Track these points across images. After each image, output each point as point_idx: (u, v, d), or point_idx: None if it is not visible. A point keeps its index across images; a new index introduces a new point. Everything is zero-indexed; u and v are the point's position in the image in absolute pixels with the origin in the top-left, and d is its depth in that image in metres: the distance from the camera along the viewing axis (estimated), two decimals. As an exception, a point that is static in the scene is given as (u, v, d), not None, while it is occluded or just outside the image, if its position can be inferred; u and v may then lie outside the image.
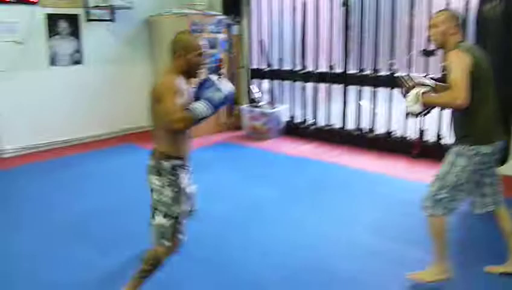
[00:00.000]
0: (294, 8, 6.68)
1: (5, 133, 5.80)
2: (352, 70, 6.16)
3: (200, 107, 2.42)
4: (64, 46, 6.24)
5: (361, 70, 6.02)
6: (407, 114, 2.81)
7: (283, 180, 4.82)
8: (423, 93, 2.69)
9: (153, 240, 2.55)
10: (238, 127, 7.32)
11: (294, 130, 6.85)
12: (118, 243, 3.46)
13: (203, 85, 2.56)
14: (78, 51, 6.36)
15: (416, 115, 2.76)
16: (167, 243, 2.52)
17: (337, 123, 6.50)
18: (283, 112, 6.95)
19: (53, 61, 6.15)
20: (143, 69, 7.09)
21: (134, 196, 4.14)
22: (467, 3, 4.99)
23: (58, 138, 6.28)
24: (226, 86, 2.56)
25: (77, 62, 6.38)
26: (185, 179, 2.59)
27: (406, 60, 5.62)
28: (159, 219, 2.50)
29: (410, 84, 2.79)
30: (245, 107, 7.13)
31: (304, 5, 6.52)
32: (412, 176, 4.91)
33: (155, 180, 2.51)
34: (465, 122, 2.67)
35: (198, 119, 2.42)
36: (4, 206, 4.27)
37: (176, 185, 2.51)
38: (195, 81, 2.61)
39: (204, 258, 3.24)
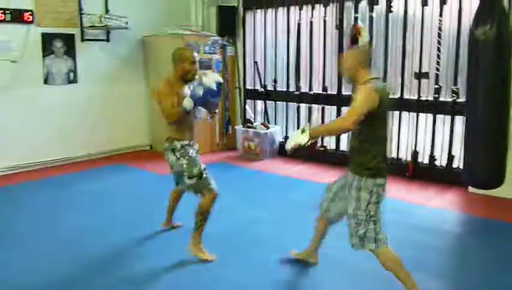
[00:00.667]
0: (288, 30, 6.74)
1: (-3, 151, 5.77)
2: (346, 91, 6.19)
3: (185, 101, 3.24)
4: (59, 65, 6.24)
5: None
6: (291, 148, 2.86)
7: (276, 201, 4.80)
8: (304, 130, 2.83)
9: (195, 195, 3.44)
10: (232, 147, 7.32)
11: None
12: (111, 261, 3.42)
13: (194, 84, 3.35)
14: (72, 70, 6.37)
15: (303, 145, 2.84)
16: (203, 194, 3.40)
17: (331, 144, 6.51)
18: (277, 132, 6.96)
19: (47, 80, 6.15)
20: (137, 88, 7.10)
21: (124, 214, 4.13)
22: (459, 26, 5.06)
23: (50, 156, 6.24)
24: (209, 80, 3.27)
25: (72, 81, 6.39)
26: (193, 151, 3.49)
27: (398, 82, 5.67)
28: (187, 181, 3.40)
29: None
30: (239, 127, 7.14)
31: (298, 26, 6.58)
32: (405, 197, 4.91)
33: (171, 157, 3.44)
34: (361, 156, 2.81)
35: (186, 111, 3.27)
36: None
37: (186, 155, 3.41)
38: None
39: (194, 276, 3.21)
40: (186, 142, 3.46)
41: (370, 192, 2.78)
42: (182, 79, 3.42)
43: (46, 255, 3.58)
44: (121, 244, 3.75)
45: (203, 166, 3.46)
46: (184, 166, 3.39)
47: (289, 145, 2.86)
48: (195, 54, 3.46)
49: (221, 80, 3.43)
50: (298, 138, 2.82)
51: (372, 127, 2.74)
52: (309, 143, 2.83)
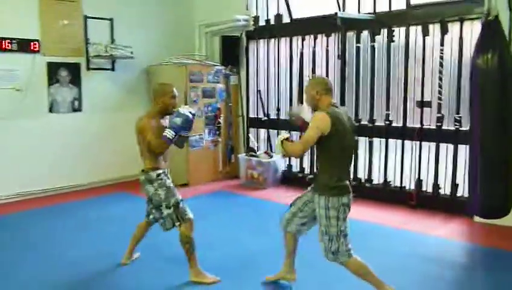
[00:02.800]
0: (291, 60, 6.80)
1: (0, 179, 5.77)
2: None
3: (166, 132, 3.38)
4: (64, 93, 6.31)
5: (358, 120, 6.07)
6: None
7: (276, 231, 4.75)
8: (286, 139, 3.07)
9: (170, 226, 3.49)
10: (235, 176, 7.31)
11: (291, 180, 6.83)
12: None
13: (172, 115, 3.47)
14: (77, 98, 6.43)
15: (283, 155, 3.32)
16: (179, 223, 3.46)
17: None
18: (280, 161, 6.95)
19: (52, 109, 6.20)
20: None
21: (127, 244, 4.08)
22: (460, 56, 5.10)
23: (53, 185, 6.24)
24: (184, 109, 3.47)
25: (76, 110, 6.44)
26: (169, 181, 3.60)
27: (401, 111, 5.68)
28: (166, 211, 3.47)
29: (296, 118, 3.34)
30: (242, 156, 7.14)
31: (301, 56, 6.64)
32: (410, 227, 4.86)
33: (149, 188, 3.53)
34: (323, 177, 3.06)
35: (170, 140, 3.38)
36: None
37: (164, 185, 3.52)
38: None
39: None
40: (160, 171, 3.56)
41: (337, 210, 3.01)
42: (161, 113, 3.59)
43: (46, 286, 3.54)
44: (125, 276, 3.71)
45: (179, 196, 3.57)
46: (162, 196, 3.48)
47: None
48: (175, 89, 3.64)
49: (193, 111, 3.61)
50: (278, 151, 3.18)
51: (328, 149, 2.99)
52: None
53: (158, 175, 3.53)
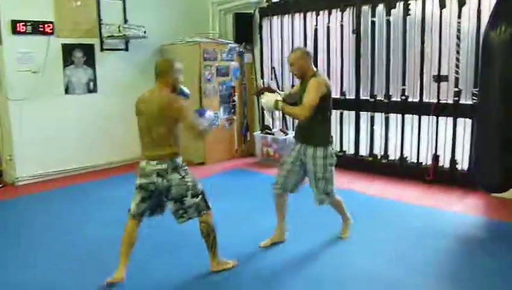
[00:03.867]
0: (305, 36, 6.73)
1: (18, 161, 5.87)
2: (364, 96, 6.16)
3: (207, 126, 3.32)
4: (79, 75, 6.34)
5: (373, 96, 6.02)
6: (263, 110, 3.57)
7: (295, 209, 4.76)
8: (280, 101, 3.58)
9: (195, 216, 3.25)
10: (250, 154, 7.33)
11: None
12: (132, 273, 3.44)
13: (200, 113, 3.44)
14: (92, 79, 6.46)
15: (271, 112, 3.52)
16: (205, 211, 3.27)
17: (349, 149, 6.47)
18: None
19: (68, 90, 6.25)
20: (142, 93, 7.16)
21: (146, 222, 4.13)
22: (478, 28, 4.99)
23: (72, 165, 6.34)
24: (210, 114, 3.53)
25: (92, 91, 6.48)
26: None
27: (417, 86, 5.61)
28: (192, 200, 3.20)
29: (264, 88, 3.87)
30: (257, 133, 7.14)
31: (315, 32, 6.57)
32: (426, 203, 4.85)
33: (174, 176, 3.15)
34: (321, 132, 3.60)
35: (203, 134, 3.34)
36: (18, 234, 4.30)
37: (189, 172, 3.25)
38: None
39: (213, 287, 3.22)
40: (181, 158, 3.28)
41: (332, 157, 3.61)
42: (171, 88, 3.31)
43: (70, 265, 3.63)
44: (145, 253, 3.77)
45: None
46: (189, 184, 3.20)
47: (266, 108, 3.69)
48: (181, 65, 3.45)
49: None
50: (270, 108, 3.63)
51: (323, 108, 3.51)
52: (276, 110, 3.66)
53: (183, 162, 3.25)
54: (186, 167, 3.25)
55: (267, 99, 3.61)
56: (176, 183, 3.16)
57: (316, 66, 6.57)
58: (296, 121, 3.92)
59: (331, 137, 3.68)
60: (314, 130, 3.58)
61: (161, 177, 3.14)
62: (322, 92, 3.45)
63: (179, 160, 3.22)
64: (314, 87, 3.44)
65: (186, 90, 3.48)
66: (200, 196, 3.25)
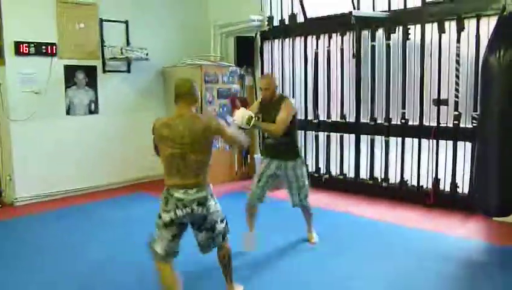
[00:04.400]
0: (306, 59, 6.79)
1: (18, 180, 5.86)
2: (364, 119, 6.18)
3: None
4: (81, 96, 6.38)
5: (374, 119, 6.04)
6: (239, 127, 3.69)
7: (295, 231, 4.74)
8: (253, 117, 3.73)
9: (220, 242, 3.09)
10: (251, 176, 7.29)
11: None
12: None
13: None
14: (94, 101, 6.50)
15: (243, 129, 3.65)
16: (227, 236, 3.15)
17: (349, 172, 6.46)
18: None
19: (70, 111, 6.27)
20: (157, 117, 7.18)
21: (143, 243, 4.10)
22: (477, 53, 5.02)
23: (72, 185, 6.32)
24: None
25: (93, 112, 6.51)
26: None
27: (417, 109, 5.63)
28: (220, 225, 3.05)
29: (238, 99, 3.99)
30: (258, 156, 7.13)
31: (315, 56, 6.62)
32: (427, 226, 4.82)
33: (211, 203, 2.98)
34: (295, 145, 4.23)
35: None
36: (17, 254, 4.25)
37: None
38: None
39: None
40: None
41: (305, 165, 4.26)
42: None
43: (69, 286, 3.59)
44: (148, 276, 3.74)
45: None
46: (219, 209, 3.07)
47: (237, 122, 3.71)
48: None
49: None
50: (243, 124, 3.69)
51: (293, 125, 4.08)
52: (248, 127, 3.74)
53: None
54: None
55: (240, 115, 3.73)
56: (212, 211, 2.97)
57: (317, 89, 6.64)
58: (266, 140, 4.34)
59: (299, 150, 4.31)
60: (290, 145, 4.13)
61: (201, 206, 2.90)
62: (294, 112, 4.05)
63: (210, 187, 3.03)
64: (290, 107, 4.00)
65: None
66: (225, 221, 3.11)
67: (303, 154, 6.61)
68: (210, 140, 2.96)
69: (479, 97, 4.54)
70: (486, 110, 4.04)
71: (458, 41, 5.19)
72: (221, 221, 3.05)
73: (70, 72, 6.22)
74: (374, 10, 5.93)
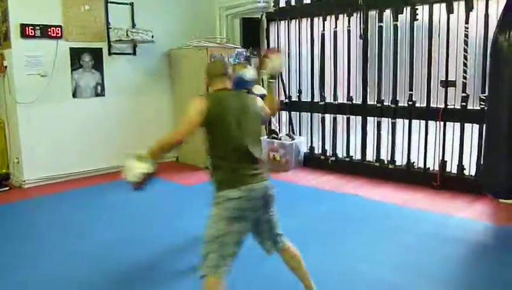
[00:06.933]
0: (312, 41, 6.73)
1: (26, 163, 5.90)
2: (371, 101, 6.14)
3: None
4: (87, 78, 6.38)
5: (380, 101, 6.00)
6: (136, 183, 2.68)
7: (301, 213, 4.76)
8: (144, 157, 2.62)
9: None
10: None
11: (313, 162, 6.82)
12: (142, 275, 3.44)
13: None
14: (100, 83, 6.49)
15: (150, 173, 2.61)
16: None
17: (356, 155, 6.45)
18: (302, 143, 6.94)
19: (76, 94, 6.28)
20: (163, 100, 7.20)
21: (156, 226, 4.15)
22: (486, 33, 4.96)
23: (79, 168, 6.36)
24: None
25: (99, 94, 6.51)
26: None
27: (425, 91, 5.59)
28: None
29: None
30: (264, 138, 7.14)
31: (322, 37, 6.57)
32: (434, 208, 4.82)
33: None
34: (212, 171, 2.67)
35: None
36: (26, 236, 4.31)
37: None
38: None
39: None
40: None
41: (218, 205, 2.50)
42: None
43: (78, 266, 3.64)
44: (154, 256, 3.78)
45: None
46: None
47: (131, 179, 2.65)
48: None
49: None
50: (139, 169, 2.63)
51: (212, 138, 2.59)
52: (153, 169, 2.65)
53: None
54: None
55: (277, 62, 3.10)
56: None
57: (323, 71, 6.60)
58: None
59: (227, 177, 2.60)
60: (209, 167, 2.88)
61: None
62: (198, 115, 2.53)
63: None
64: (189, 106, 2.58)
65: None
66: None
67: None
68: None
69: (487, 78, 4.50)
70: (496, 91, 4.00)
71: (467, 21, 5.12)
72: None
73: (76, 55, 6.22)
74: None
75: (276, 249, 2.77)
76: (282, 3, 7.02)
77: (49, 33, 5.90)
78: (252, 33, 7.25)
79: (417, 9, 5.54)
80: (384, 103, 5.98)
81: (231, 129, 2.54)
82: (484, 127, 5.01)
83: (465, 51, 5.17)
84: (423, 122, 5.67)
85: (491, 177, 4.20)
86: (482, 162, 4.61)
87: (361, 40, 6.12)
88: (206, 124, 2.53)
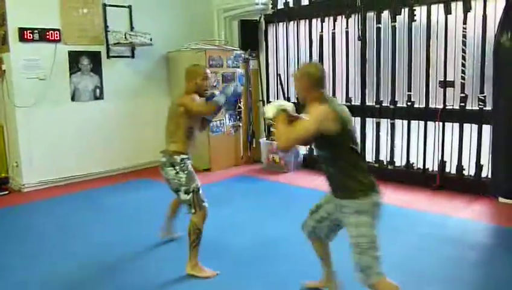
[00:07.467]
0: (310, 42, 6.74)
1: (25, 167, 5.89)
2: (369, 102, 6.15)
3: (217, 97, 3.49)
4: (86, 82, 6.38)
5: (379, 102, 6.00)
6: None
7: (300, 215, 4.74)
8: (284, 110, 2.66)
9: (188, 211, 3.40)
10: (256, 160, 7.32)
11: (313, 164, 6.81)
12: (140, 275, 3.43)
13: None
14: (99, 86, 6.49)
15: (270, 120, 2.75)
16: (194, 211, 3.36)
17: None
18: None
19: (74, 97, 6.28)
20: (161, 103, 7.17)
21: (153, 228, 4.14)
22: (484, 34, 4.97)
23: (78, 171, 6.35)
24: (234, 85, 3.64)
25: (98, 98, 6.51)
26: (190, 166, 3.50)
27: (423, 92, 5.59)
28: (184, 196, 3.39)
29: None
30: (263, 140, 7.14)
31: (321, 38, 6.57)
32: (433, 209, 4.82)
33: (170, 171, 3.43)
34: (345, 178, 2.73)
35: (219, 105, 3.45)
36: (25, 238, 4.32)
37: (186, 169, 3.43)
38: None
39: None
40: (185, 156, 3.49)
41: (368, 213, 2.67)
42: (195, 93, 3.54)
43: (76, 269, 3.63)
44: (151, 259, 3.77)
45: (199, 182, 3.48)
46: (182, 180, 3.40)
47: (269, 114, 2.67)
48: (208, 71, 3.67)
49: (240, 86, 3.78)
50: (269, 115, 2.69)
51: (342, 144, 2.65)
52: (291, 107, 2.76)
53: (182, 160, 3.44)
54: (184, 164, 3.44)
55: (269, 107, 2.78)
56: (172, 177, 3.44)
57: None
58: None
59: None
60: (339, 176, 2.85)
61: (162, 170, 3.50)
62: (318, 122, 2.54)
63: (178, 157, 3.44)
64: (311, 113, 2.59)
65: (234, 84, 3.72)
66: (191, 194, 3.37)
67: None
68: (183, 109, 3.50)
69: (492, 78, 4.49)
70: (500, 91, 4.00)
71: (465, 22, 5.13)
72: (186, 192, 3.37)
73: (74, 58, 6.21)
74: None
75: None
76: (280, 5, 7.03)
77: (48, 37, 5.90)
78: (251, 35, 7.26)
79: (415, 10, 5.55)
80: (383, 104, 5.98)
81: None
82: (483, 128, 5.04)
83: (464, 51, 5.17)
84: (422, 122, 5.67)
85: (498, 178, 4.16)
86: (489, 163, 4.54)
87: (360, 42, 6.13)
88: (340, 130, 2.58)
